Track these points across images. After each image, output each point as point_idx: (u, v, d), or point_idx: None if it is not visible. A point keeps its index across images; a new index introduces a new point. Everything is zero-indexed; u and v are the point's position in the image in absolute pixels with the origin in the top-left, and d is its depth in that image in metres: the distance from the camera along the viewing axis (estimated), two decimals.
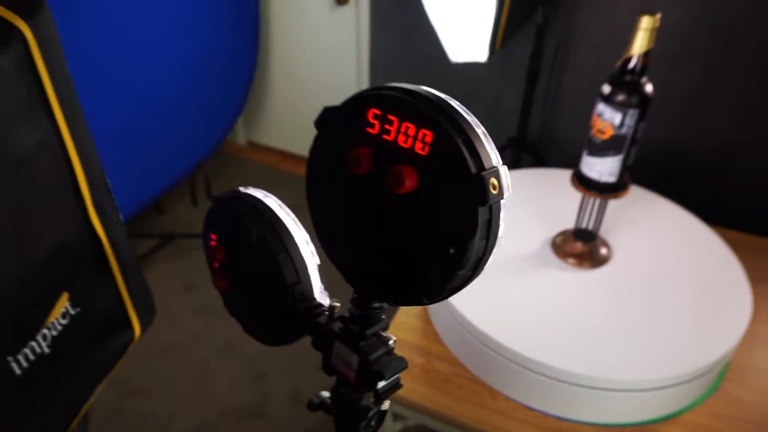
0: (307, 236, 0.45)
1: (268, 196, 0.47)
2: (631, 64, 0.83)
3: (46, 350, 0.43)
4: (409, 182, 0.31)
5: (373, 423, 0.42)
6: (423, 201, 0.32)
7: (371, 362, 0.38)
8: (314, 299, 0.44)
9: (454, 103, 0.32)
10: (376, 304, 0.39)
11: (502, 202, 0.31)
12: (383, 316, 0.40)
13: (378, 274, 0.36)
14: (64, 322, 0.45)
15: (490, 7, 1.36)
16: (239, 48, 2.50)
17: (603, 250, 1.04)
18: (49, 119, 0.42)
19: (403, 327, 1.07)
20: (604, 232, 1.06)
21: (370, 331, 0.39)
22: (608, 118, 0.87)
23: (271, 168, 2.96)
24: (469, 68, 2.28)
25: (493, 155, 0.31)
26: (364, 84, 2.56)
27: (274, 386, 1.86)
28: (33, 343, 0.42)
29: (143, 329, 0.57)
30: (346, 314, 0.40)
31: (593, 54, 1.91)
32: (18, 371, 0.41)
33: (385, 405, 0.42)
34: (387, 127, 0.33)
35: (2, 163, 0.38)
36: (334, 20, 2.47)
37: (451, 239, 0.31)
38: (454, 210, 0.31)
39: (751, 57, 1.77)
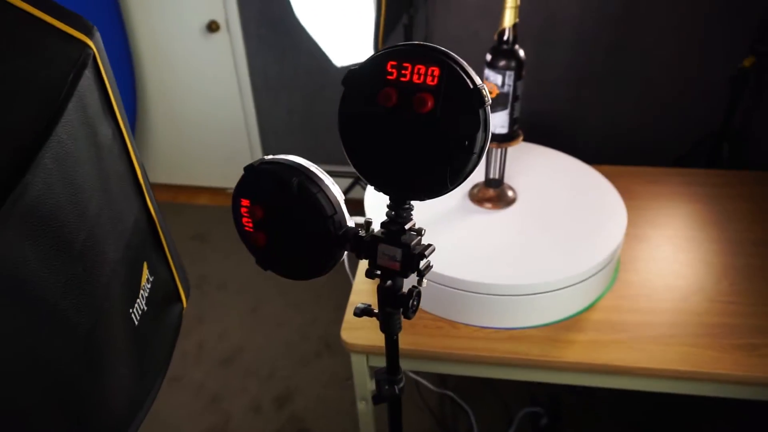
0: (332, 179, 0.58)
1: (291, 155, 0.59)
2: (505, 36, 1.06)
3: (145, 308, 0.52)
4: (430, 103, 0.47)
5: (416, 302, 0.57)
6: (439, 115, 0.47)
7: (413, 248, 0.52)
8: (347, 225, 0.57)
9: (443, 50, 0.48)
10: (408, 205, 0.53)
11: (488, 106, 0.48)
12: (412, 214, 0.54)
13: (410, 179, 0.50)
14: (148, 286, 0.54)
15: (369, 12, 1.55)
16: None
17: (510, 193, 1.26)
18: (113, 118, 0.52)
19: (363, 293, 1.20)
20: (509, 179, 1.28)
21: (407, 227, 0.53)
22: (492, 80, 1.08)
23: (168, 204, 2.92)
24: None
25: (476, 77, 0.48)
26: (249, 104, 2.64)
27: (230, 404, 1.88)
28: (138, 300, 0.51)
29: (186, 301, 0.66)
30: (384, 220, 0.54)
31: (453, 45, 2.20)
32: (136, 322, 0.50)
33: (423, 284, 0.56)
34: (403, 72, 0.48)
35: (99, 149, 0.47)
36: (208, 48, 2.53)
37: (464, 135, 0.47)
38: (464, 116, 0.46)
39: (571, 35, 2.15)
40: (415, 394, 1.85)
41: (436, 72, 0.47)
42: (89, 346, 0.41)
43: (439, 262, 1.08)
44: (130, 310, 0.49)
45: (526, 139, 1.44)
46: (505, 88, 1.09)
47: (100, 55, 0.50)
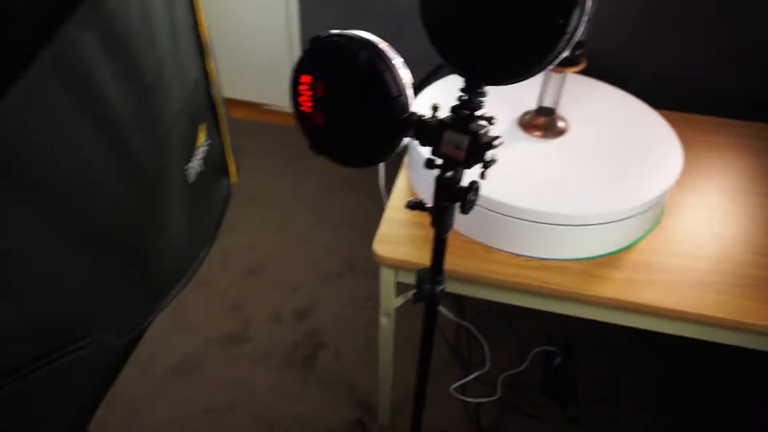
0: (401, 60, 0.55)
1: (362, 32, 0.56)
2: None
3: (201, 167, 0.51)
4: None
5: (474, 197, 0.55)
6: None
7: (481, 137, 0.50)
8: (412, 110, 0.55)
9: None
10: (482, 89, 0.50)
11: None
12: (484, 102, 0.51)
13: (493, 57, 0.47)
14: (204, 148, 0.53)
15: None
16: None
17: (561, 123, 1.22)
18: None
19: (399, 210, 1.19)
20: (562, 109, 1.23)
21: (478, 113, 0.51)
22: None
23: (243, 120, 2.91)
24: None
25: None
26: (294, 20, 2.56)
27: (251, 312, 1.94)
28: (195, 160, 0.50)
29: (237, 178, 0.65)
30: (455, 104, 0.52)
31: None
32: (190, 179, 0.49)
33: (485, 178, 0.54)
34: None
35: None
36: None
37: (559, 12, 0.43)
38: None
39: None
40: None
41: None
42: (152, 187, 0.40)
43: (481, 184, 1.05)
44: (186, 167, 0.48)
45: (585, 74, 1.37)
46: None
47: None
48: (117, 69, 0.33)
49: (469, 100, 0.50)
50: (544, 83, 1.16)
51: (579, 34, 0.45)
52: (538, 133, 1.19)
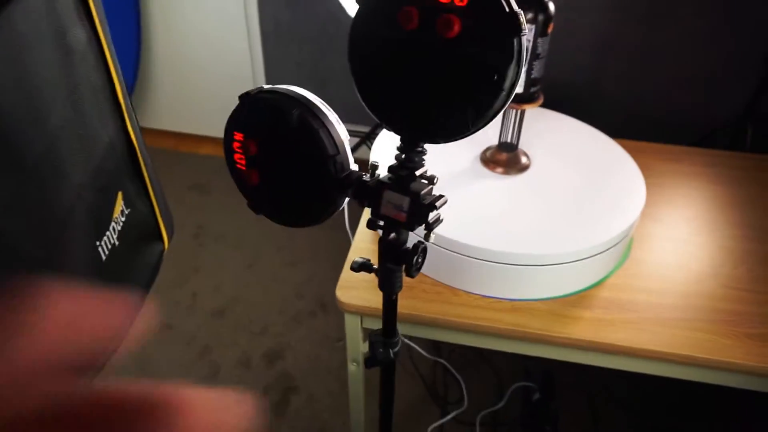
0: (336, 116, 0.51)
1: (294, 87, 0.52)
2: None
3: (116, 242, 0.46)
4: (456, 27, 0.40)
5: (420, 259, 0.51)
6: (467, 42, 0.40)
7: (422, 197, 0.46)
8: (350, 168, 0.51)
9: None
10: (420, 148, 0.47)
11: (524, 36, 0.41)
12: (424, 159, 0.48)
13: (428, 116, 0.44)
14: (122, 219, 0.48)
15: None
16: (120, 33, 2.38)
17: (524, 159, 1.19)
18: (90, 21, 0.45)
19: (362, 252, 1.15)
20: (523, 145, 1.21)
21: (418, 173, 0.47)
22: None
23: (170, 151, 2.85)
24: None
25: (513, 1, 0.40)
26: (258, 52, 2.54)
27: (219, 356, 1.86)
28: (108, 233, 0.45)
29: (169, 242, 0.60)
30: (393, 164, 0.48)
31: None
32: (103, 257, 0.44)
33: (431, 238, 0.50)
34: None
35: (68, 52, 0.41)
36: None
37: (494, 68, 0.40)
38: (494, 44, 0.40)
39: (599, 3, 2.03)
40: (407, 360, 1.83)
41: None
42: (45, 273, 0.35)
43: (444, 223, 1.02)
44: (98, 243, 0.43)
45: (545, 107, 1.36)
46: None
47: None
48: None
49: (408, 159, 0.47)
50: (504, 119, 1.14)
51: (515, 89, 0.42)
52: (500, 170, 1.17)
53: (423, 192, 0.46)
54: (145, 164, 0.55)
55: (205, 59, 2.66)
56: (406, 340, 1.85)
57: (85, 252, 0.41)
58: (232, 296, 2.08)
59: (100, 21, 0.46)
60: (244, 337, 1.93)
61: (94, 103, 0.45)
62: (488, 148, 1.20)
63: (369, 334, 0.63)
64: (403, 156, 0.47)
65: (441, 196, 0.48)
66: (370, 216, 0.51)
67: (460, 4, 0.40)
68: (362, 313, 1.07)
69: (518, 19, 0.39)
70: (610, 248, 1.04)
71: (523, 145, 1.21)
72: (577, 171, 1.19)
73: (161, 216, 0.58)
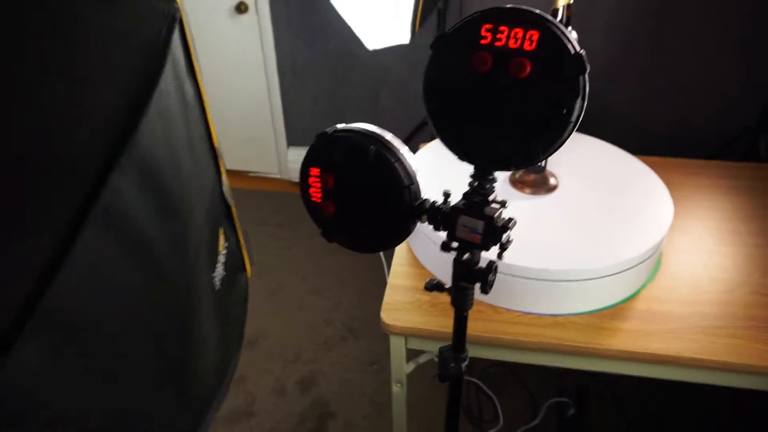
0: (407, 148, 0.56)
1: (365, 124, 0.58)
2: (558, 16, 1.03)
3: (223, 273, 0.51)
4: (528, 68, 0.45)
5: (493, 277, 0.55)
6: (537, 81, 0.45)
7: (496, 221, 0.51)
8: (422, 197, 0.56)
9: (543, 14, 0.46)
10: (492, 176, 0.52)
11: (587, 74, 0.46)
12: (495, 186, 0.53)
13: (501, 148, 0.49)
14: (224, 252, 0.53)
15: None
16: None
17: (552, 180, 1.24)
18: (194, 79, 0.51)
19: (402, 276, 1.19)
20: (550, 165, 1.26)
21: (491, 198, 0.52)
22: None
23: None
24: (376, 60, 2.44)
25: (576, 43, 0.46)
26: (275, 88, 2.63)
27: (254, 386, 1.89)
28: (218, 266, 0.50)
29: (251, 272, 0.65)
30: (467, 191, 0.53)
31: None
32: (217, 286, 0.49)
33: (503, 258, 0.54)
34: (499, 36, 0.46)
35: (185, 105, 0.46)
36: (236, 29, 2.52)
37: (562, 103, 0.45)
38: (562, 82, 0.45)
39: (608, 22, 2.10)
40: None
41: (535, 36, 0.45)
42: (185, 308, 0.40)
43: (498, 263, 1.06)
44: (213, 275, 0.48)
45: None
46: None
47: (183, 13, 0.49)
48: (151, 205, 0.34)
49: (480, 186, 0.52)
50: None
51: (580, 120, 0.47)
52: (528, 190, 1.22)
53: (496, 215, 0.51)
54: (231, 201, 0.60)
55: (223, 96, 2.75)
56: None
57: (208, 284, 0.46)
58: (261, 326, 2.12)
59: (200, 77, 0.52)
60: (277, 365, 1.96)
61: (203, 151, 0.51)
62: (517, 170, 1.25)
63: (440, 349, 0.67)
64: (476, 183, 0.52)
65: (511, 219, 0.52)
66: (445, 239, 0.55)
67: (530, 48, 0.45)
68: (407, 334, 1.11)
69: (583, 60, 0.44)
70: (643, 261, 1.08)
71: (550, 167, 1.26)
72: (603, 188, 1.24)
73: (244, 248, 0.63)
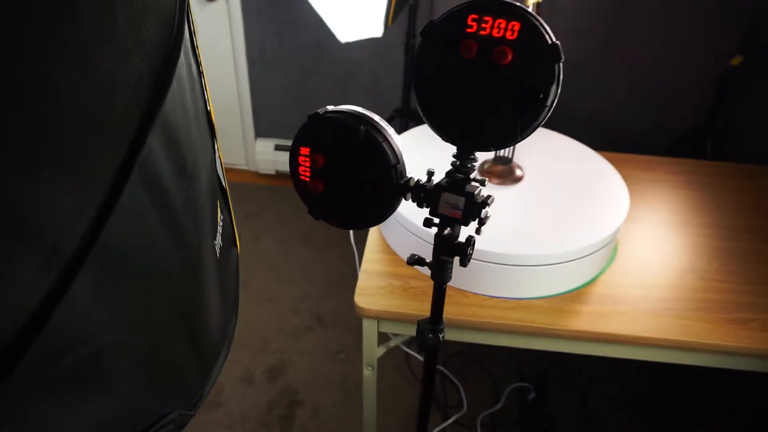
0: (394, 130, 0.60)
1: (357, 107, 0.61)
2: None
3: (221, 242, 0.54)
4: (510, 56, 0.49)
5: (471, 251, 0.60)
6: (518, 68, 0.50)
7: (476, 197, 0.55)
8: (407, 175, 0.60)
9: (523, 6, 0.51)
10: (473, 155, 0.56)
11: (562, 63, 0.51)
12: (476, 165, 0.57)
13: (482, 129, 0.53)
14: (220, 224, 0.56)
15: None
16: None
17: (518, 171, 1.31)
18: (196, 55, 0.53)
19: (375, 262, 1.23)
20: (517, 158, 1.32)
21: (471, 177, 0.56)
22: None
23: None
24: (346, 54, 2.47)
25: (552, 34, 0.50)
26: (244, 78, 2.62)
27: (222, 375, 1.89)
28: (218, 235, 0.53)
29: (239, 249, 0.68)
30: (449, 169, 0.57)
31: None
32: (218, 254, 0.52)
33: (482, 233, 0.59)
34: (483, 25, 0.50)
35: (193, 80, 0.48)
36: (205, 17, 2.49)
37: (540, 88, 0.50)
38: (540, 70, 0.49)
39: (566, 26, 2.19)
40: (405, 368, 1.90)
41: (517, 27, 0.49)
42: (197, 265, 0.43)
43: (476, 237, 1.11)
44: (214, 242, 0.51)
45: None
46: None
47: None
48: (172, 166, 0.36)
49: (462, 165, 0.56)
50: None
51: (554, 105, 0.52)
52: (497, 181, 1.27)
53: (476, 192, 0.55)
54: (223, 178, 0.62)
55: None
56: (405, 348, 1.93)
57: (211, 248, 0.49)
58: None
59: (200, 52, 0.55)
60: (246, 355, 1.96)
61: (204, 124, 0.53)
62: (485, 162, 1.31)
63: (418, 322, 0.71)
64: (458, 163, 0.56)
65: (490, 196, 0.57)
66: (427, 215, 0.59)
67: (511, 37, 0.49)
68: (379, 317, 1.15)
69: (559, 49, 0.49)
70: (601, 248, 1.15)
71: (516, 159, 1.33)
72: (566, 180, 1.31)
73: (234, 224, 0.66)
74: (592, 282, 1.20)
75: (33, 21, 0.25)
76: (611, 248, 1.22)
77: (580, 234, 1.14)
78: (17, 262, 0.23)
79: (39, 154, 0.24)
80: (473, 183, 0.57)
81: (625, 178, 1.44)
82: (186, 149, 0.41)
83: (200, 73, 0.54)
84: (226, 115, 2.77)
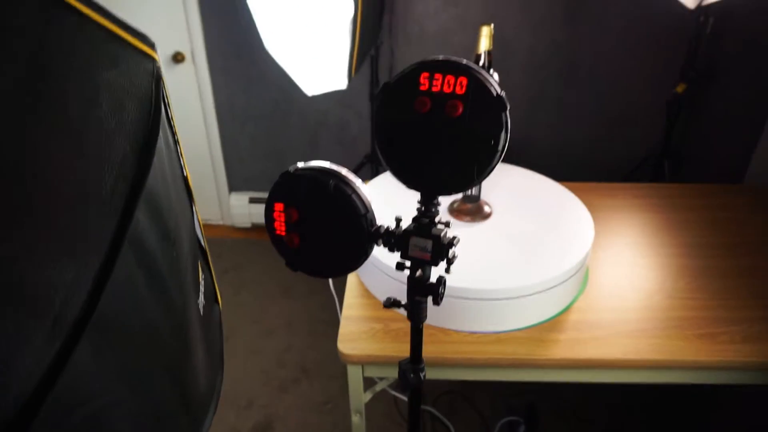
0: (361, 181, 0.64)
1: (324, 162, 0.65)
2: (481, 62, 1.16)
3: (203, 301, 0.56)
4: (460, 109, 0.54)
5: (443, 290, 0.63)
6: (469, 119, 0.55)
7: (442, 238, 0.59)
8: (377, 223, 0.63)
9: (470, 63, 0.56)
10: (436, 200, 0.60)
11: (509, 111, 0.56)
12: (439, 209, 0.61)
13: (441, 176, 0.57)
14: (202, 283, 0.58)
15: (343, 43, 1.64)
16: None
17: (486, 208, 1.36)
18: (170, 126, 0.57)
19: (355, 307, 1.25)
20: (485, 195, 1.38)
21: (437, 220, 0.60)
22: None
23: None
24: (313, 105, 2.54)
25: (498, 86, 0.56)
26: (214, 133, 2.67)
27: None
28: (200, 293, 0.55)
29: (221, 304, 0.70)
30: (415, 215, 0.61)
31: None
32: (201, 312, 0.54)
33: (450, 272, 0.62)
34: (435, 82, 0.55)
35: (169, 149, 0.52)
36: (173, 78, 2.55)
37: (490, 136, 0.54)
38: (489, 119, 0.54)
39: (524, 62, 2.31)
40: (393, 410, 1.89)
41: (464, 82, 0.54)
42: (184, 324, 0.45)
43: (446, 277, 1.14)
44: (198, 301, 0.53)
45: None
46: None
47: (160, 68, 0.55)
48: (157, 233, 0.39)
49: (427, 210, 0.60)
50: None
51: (505, 149, 0.56)
52: (467, 218, 1.32)
53: (442, 234, 0.59)
54: (203, 237, 0.65)
55: None
56: (391, 391, 1.92)
57: (196, 308, 0.51)
58: None
59: (175, 124, 0.58)
60: (232, 413, 1.93)
61: (182, 188, 0.56)
62: (455, 201, 1.36)
63: (399, 363, 0.73)
64: (423, 208, 0.60)
65: (455, 237, 0.60)
66: (398, 259, 0.63)
67: (461, 91, 0.54)
68: (363, 362, 1.16)
69: (504, 100, 0.53)
70: (571, 276, 1.20)
71: (484, 196, 1.38)
72: (532, 213, 1.36)
73: (215, 282, 0.68)
74: (566, 310, 1.23)
75: (32, 111, 0.28)
76: (582, 275, 1.26)
77: (550, 264, 1.18)
78: (27, 335, 0.25)
79: (38, 233, 0.27)
80: (439, 226, 0.61)
81: (589, 205, 1.50)
82: (168, 215, 0.44)
83: (176, 142, 0.58)
84: (199, 172, 2.79)
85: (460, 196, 1.35)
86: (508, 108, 0.54)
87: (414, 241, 0.60)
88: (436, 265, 0.61)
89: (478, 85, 0.54)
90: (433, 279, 0.64)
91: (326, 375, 2.06)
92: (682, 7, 1.86)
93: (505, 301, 1.14)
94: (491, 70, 1.17)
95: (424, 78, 0.55)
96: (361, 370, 1.18)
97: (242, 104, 2.60)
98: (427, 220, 0.60)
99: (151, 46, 0.54)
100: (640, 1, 2.18)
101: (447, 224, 0.61)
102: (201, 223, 0.64)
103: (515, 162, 1.61)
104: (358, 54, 1.69)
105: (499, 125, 0.54)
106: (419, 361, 0.71)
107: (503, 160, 1.64)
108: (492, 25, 1.13)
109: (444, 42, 2.26)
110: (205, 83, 2.53)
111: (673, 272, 1.35)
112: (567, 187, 1.48)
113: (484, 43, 1.14)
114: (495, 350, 1.13)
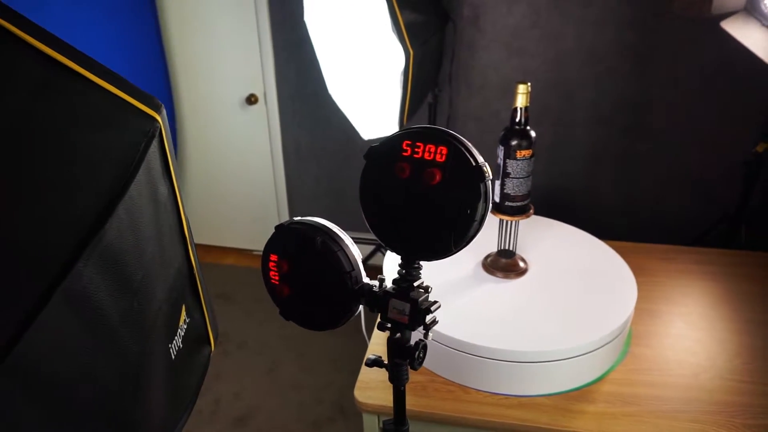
0: (352, 240, 0.65)
1: (319, 218, 0.67)
2: (518, 117, 1.15)
3: (181, 346, 0.59)
4: (438, 177, 0.54)
5: (422, 354, 0.62)
6: (446, 187, 0.55)
7: (420, 303, 0.59)
8: (363, 281, 0.64)
9: (452, 132, 0.56)
10: (417, 264, 0.60)
11: (488, 181, 0.55)
12: (421, 273, 0.61)
13: (420, 242, 0.57)
14: (185, 327, 0.61)
15: (396, 91, 1.69)
16: None
17: (522, 264, 1.32)
18: (169, 179, 0.61)
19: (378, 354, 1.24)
20: (521, 250, 1.34)
21: (416, 284, 0.60)
22: (498, 153, 1.18)
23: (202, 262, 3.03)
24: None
25: (479, 156, 0.55)
26: (280, 171, 2.79)
27: None
28: (176, 338, 0.58)
29: (214, 345, 0.73)
30: (396, 277, 0.61)
31: (475, 123, 2.33)
32: (173, 357, 0.56)
33: (429, 337, 0.61)
34: (416, 149, 0.56)
35: (157, 205, 0.56)
36: (246, 118, 2.71)
37: (467, 205, 0.54)
38: (467, 188, 0.54)
39: (587, 116, 2.26)
40: None
41: (444, 151, 0.55)
42: (136, 370, 0.47)
43: (453, 326, 1.12)
44: (169, 346, 0.55)
45: (545, 214, 1.51)
46: (498, 162, 1.18)
47: (164, 128, 0.59)
48: (110, 285, 0.42)
49: (407, 273, 0.60)
50: (501, 229, 1.28)
51: (485, 219, 0.56)
52: (500, 274, 1.29)
53: (420, 299, 0.59)
54: (200, 281, 0.68)
55: (231, 179, 2.91)
56: None
57: (163, 353, 0.54)
58: (253, 403, 2.13)
59: (176, 176, 0.62)
60: None
61: (170, 240, 0.60)
62: (488, 255, 1.33)
63: (383, 421, 0.72)
64: (404, 271, 0.60)
65: (435, 302, 0.60)
66: (379, 320, 0.63)
67: (440, 160, 0.55)
68: (379, 412, 1.14)
69: (483, 170, 0.53)
70: (606, 344, 1.13)
71: (520, 251, 1.34)
72: (571, 272, 1.31)
73: (210, 323, 0.71)
74: (600, 379, 1.16)
75: None
76: (620, 343, 1.19)
77: (584, 328, 1.12)
78: None
79: None
80: (419, 290, 0.60)
81: (642, 268, 1.42)
82: (134, 268, 0.48)
83: (173, 195, 0.62)
84: (265, 206, 2.92)
85: (494, 249, 1.32)
86: (488, 178, 0.54)
87: (393, 303, 0.60)
88: (413, 329, 0.61)
89: (458, 155, 0.54)
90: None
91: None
92: (764, 62, 1.75)
93: (531, 364, 1.09)
94: (528, 127, 1.16)
95: (406, 144, 0.56)
96: (376, 420, 1.17)
97: (307, 144, 2.71)
98: (406, 284, 0.60)
99: (156, 107, 0.59)
100: (716, 56, 2.08)
101: (427, 289, 0.60)
102: (198, 265, 0.68)
103: (575, 216, 1.56)
104: (411, 102, 1.73)
105: (477, 195, 0.54)
106: (404, 423, 0.69)
107: (547, 215, 1.59)
108: (529, 84, 1.13)
109: (504, 92, 2.25)
110: (274, 123, 2.67)
111: (727, 350, 1.24)
112: (620, 247, 1.41)
113: (521, 100, 1.13)
114: (515, 415, 1.08)
